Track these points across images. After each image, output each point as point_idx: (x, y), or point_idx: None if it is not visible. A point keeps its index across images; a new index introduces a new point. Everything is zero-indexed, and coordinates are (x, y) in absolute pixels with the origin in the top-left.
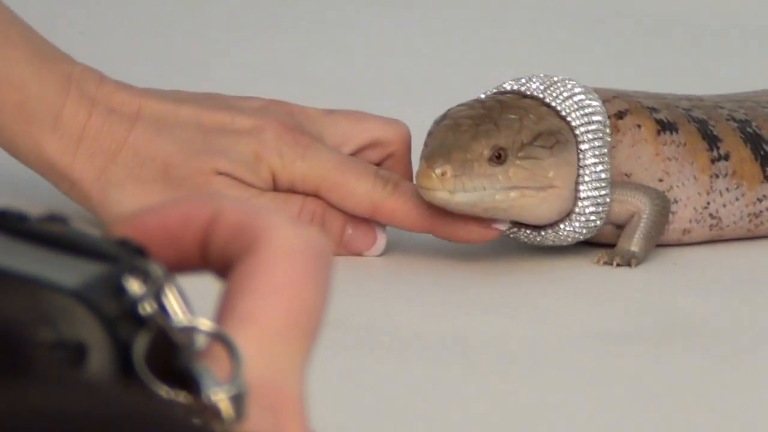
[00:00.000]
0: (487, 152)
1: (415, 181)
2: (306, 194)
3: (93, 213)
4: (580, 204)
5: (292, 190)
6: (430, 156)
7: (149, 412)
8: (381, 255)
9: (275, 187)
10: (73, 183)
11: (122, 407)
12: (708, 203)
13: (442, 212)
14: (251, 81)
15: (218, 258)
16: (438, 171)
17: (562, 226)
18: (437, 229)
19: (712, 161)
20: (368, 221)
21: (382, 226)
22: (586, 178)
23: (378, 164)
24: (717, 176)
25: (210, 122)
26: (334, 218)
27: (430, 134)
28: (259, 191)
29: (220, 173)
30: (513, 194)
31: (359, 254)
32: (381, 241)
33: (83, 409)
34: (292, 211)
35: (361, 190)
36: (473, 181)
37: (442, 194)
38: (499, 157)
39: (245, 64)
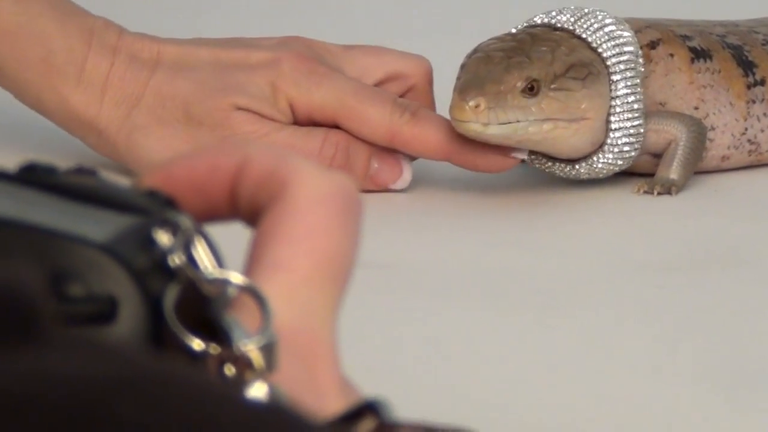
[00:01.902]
0: (520, 84)
1: (448, 114)
2: (327, 126)
3: (121, 161)
4: (612, 135)
5: (312, 122)
6: (463, 88)
7: (164, 376)
8: (407, 190)
9: (295, 118)
10: (100, 133)
11: (136, 371)
12: (746, 129)
13: (460, 140)
14: (270, 20)
15: (247, 206)
16: (471, 103)
17: (595, 158)
18: (456, 156)
19: (748, 87)
20: (394, 154)
21: (408, 159)
22: (618, 109)
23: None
24: (754, 102)
25: (227, 60)
26: (359, 150)
27: (462, 67)
28: (279, 125)
29: (239, 108)
30: (546, 126)
31: (385, 188)
32: (407, 173)
33: (92, 372)
34: (314, 144)
35: (378, 116)
36: (507, 113)
37: (475, 126)
38: (532, 89)
39: (263, 3)
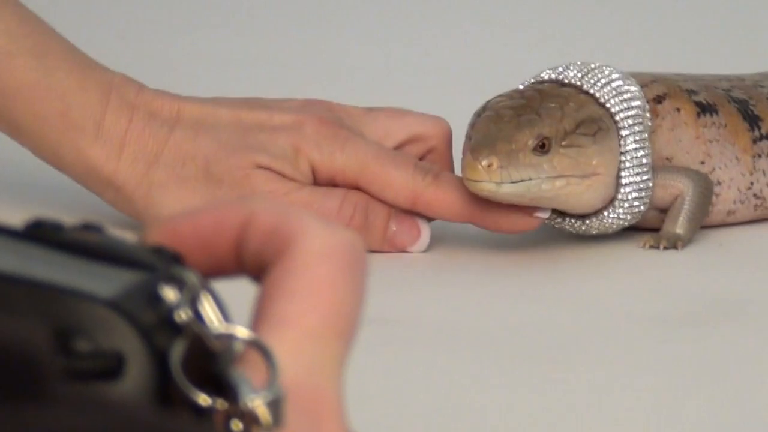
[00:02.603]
0: (531, 142)
1: (460, 174)
2: (347, 187)
3: (137, 218)
4: (622, 190)
5: (332, 184)
6: (476, 148)
7: None
8: (419, 252)
9: (316, 181)
10: (117, 189)
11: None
12: (751, 183)
13: (483, 202)
14: (288, 81)
15: (253, 261)
16: (484, 163)
17: (606, 213)
18: (478, 218)
19: (754, 141)
20: (412, 216)
21: (426, 221)
22: (628, 164)
23: (419, 160)
24: (759, 156)
25: (249, 120)
26: (378, 211)
27: (472, 126)
28: (299, 184)
29: (260, 167)
30: (558, 183)
31: (404, 250)
32: (425, 236)
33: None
34: (333, 204)
35: (401, 180)
36: (519, 172)
37: (489, 186)
38: (543, 147)
39: (281, 64)
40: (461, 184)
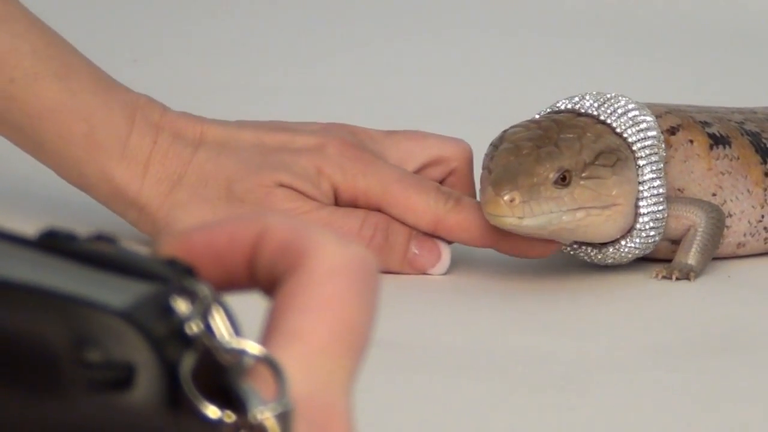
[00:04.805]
0: (552, 175)
1: (482, 209)
2: (375, 210)
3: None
4: (641, 220)
5: (354, 206)
6: (497, 182)
7: None
8: (429, 278)
9: (337, 203)
10: (141, 209)
11: None
12: (762, 216)
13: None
14: (310, 106)
15: (265, 276)
16: (507, 198)
17: (623, 242)
18: (500, 244)
19: (766, 174)
20: (433, 239)
21: (447, 243)
22: (646, 194)
23: (440, 182)
24: None
25: (271, 142)
26: (398, 233)
27: (490, 158)
28: (320, 204)
29: (282, 185)
30: (579, 215)
31: (424, 272)
32: (446, 259)
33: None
34: (353, 224)
35: (423, 204)
36: (541, 206)
37: (511, 220)
38: (564, 179)
39: (302, 89)
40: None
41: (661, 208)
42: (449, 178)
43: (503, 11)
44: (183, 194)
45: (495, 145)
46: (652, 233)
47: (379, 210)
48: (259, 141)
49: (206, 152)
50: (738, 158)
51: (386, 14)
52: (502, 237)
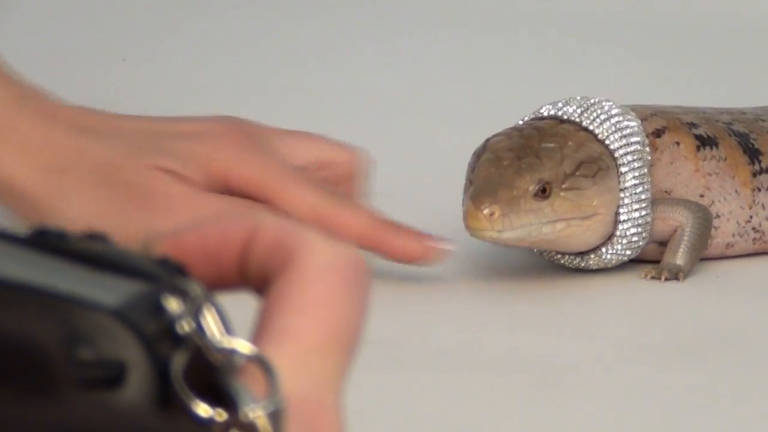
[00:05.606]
0: (532, 188)
1: (463, 221)
2: (251, 200)
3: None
4: (621, 227)
5: (237, 194)
6: (476, 196)
7: None
8: (422, 278)
9: (221, 190)
10: (24, 197)
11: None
12: (751, 217)
13: (382, 228)
14: (301, 106)
15: (256, 275)
16: (486, 211)
17: (604, 249)
18: (381, 248)
19: (754, 174)
20: None
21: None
22: (627, 201)
23: None
24: (759, 189)
25: (158, 128)
26: None
27: (472, 170)
28: (201, 189)
29: (164, 169)
30: (559, 226)
31: None
32: None
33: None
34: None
35: (301, 197)
36: (521, 218)
37: (490, 233)
38: (544, 191)
39: (293, 89)
40: (362, 209)
41: (644, 213)
42: (337, 184)
43: (503, 11)
44: (68, 181)
45: (477, 155)
46: (635, 238)
47: (262, 201)
48: (146, 127)
49: (92, 139)
50: (725, 159)
51: (383, 14)
52: (384, 240)
